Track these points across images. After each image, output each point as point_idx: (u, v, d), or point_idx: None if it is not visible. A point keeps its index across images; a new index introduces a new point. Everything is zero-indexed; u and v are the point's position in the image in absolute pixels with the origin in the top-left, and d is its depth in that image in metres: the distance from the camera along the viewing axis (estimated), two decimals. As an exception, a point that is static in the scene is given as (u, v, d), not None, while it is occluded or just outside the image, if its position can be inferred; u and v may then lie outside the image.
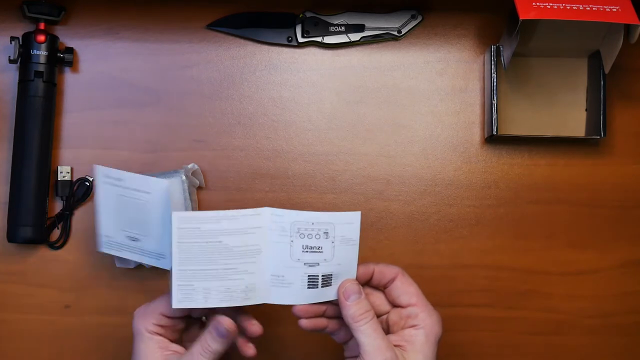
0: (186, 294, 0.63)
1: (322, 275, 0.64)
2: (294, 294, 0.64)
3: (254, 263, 0.63)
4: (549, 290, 0.78)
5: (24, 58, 0.74)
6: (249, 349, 0.65)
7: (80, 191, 0.76)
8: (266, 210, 0.62)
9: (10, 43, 0.74)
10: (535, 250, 0.78)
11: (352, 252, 0.64)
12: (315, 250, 0.63)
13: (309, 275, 0.63)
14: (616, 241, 0.78)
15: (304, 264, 0.63)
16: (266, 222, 0.62)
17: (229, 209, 0.76)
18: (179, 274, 0.63)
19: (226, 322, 0.63)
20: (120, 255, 0.72)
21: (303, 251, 0.63)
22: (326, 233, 0.63)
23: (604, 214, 0.79)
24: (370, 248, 0.77)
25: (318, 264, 0.63)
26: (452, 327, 0.77)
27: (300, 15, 0.78)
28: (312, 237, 0.63)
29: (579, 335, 0.78)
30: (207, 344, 0.62)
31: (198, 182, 0.76)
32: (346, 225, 0.63)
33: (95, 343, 0.75)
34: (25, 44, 0.73)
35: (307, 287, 0.63)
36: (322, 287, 0.64)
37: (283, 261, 0.63)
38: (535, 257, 0.78)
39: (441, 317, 0.64)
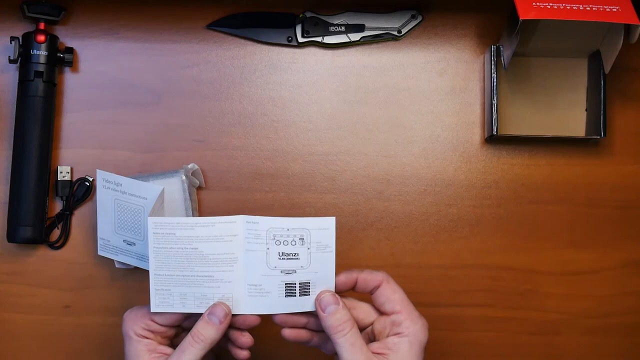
0: (163, 299, 0.63)
1: (300, 283, 0.63)
2: (271, 303, 0.64)
3: (232, 272, 0.63)
4: (549, 290, 0.78)
5: (24, 58, 0.74)
6: (242, 353, 0.65)
7: (80, 191, 0.76)
8: (241, 218, 0.63)
9: (10, 43, 0.74)
10: (535, 250, 0.78)
11: (328, 260, 0.64)
12: (291, 257, 0.63)
13: (286, 283, 0.63)
14: (616, 241, 0.78)
15: (281, 271, 0.63)
16: (241, 229, 0.63)
17: (229, 209, 0.76)
18: (155, 278, 0.63)
19: (222, 304, 0.62)
20: (117, 259, 0.72)
21: (279, 258, 0.63)
22: (302, 239, 0.63)
23: (604, 214, 0.79)
24: (371, 248, 0.77)
25: (295, 271, 0.63)
26: (452, 327, 0.77)
27: (300, 15, 0.78)
28: (287, 244, 0.63)
29: (579, 335, 0.78)
30: (199, 332, 0.61)
31: (198, 182, 0.76)
32: (321, 231, 0.63)
33: (95, 343, 0.75)
34: (25, 44, 0.73)
35: (284, 295, 0.63)
36: (300, 295, 0.64)
37: (260, 269, 0.63)
38: (535, 257, 0.78)
39: (428, 323, 0.63)
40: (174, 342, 0.66)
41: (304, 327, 0.65)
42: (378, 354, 0.62)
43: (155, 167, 0.76)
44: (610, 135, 0.78)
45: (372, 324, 0.65)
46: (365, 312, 0.65)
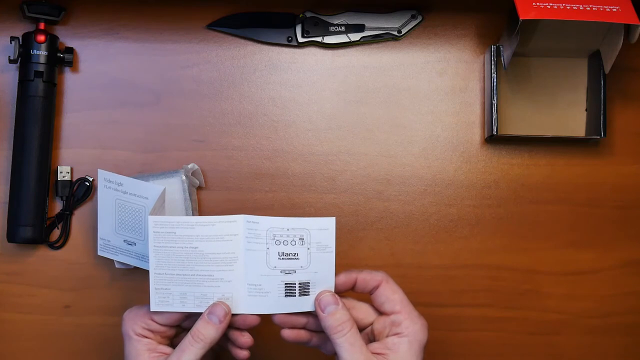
0: (163, 298, 0.63)
1: (299, 283, 0.64)
2: (271, 303, 0.64)
3: (231, 271, 0.63)
4: (549, 290, 0.78)
5: (24, 58, 0.74)
6: (242, 353, 0.65)
7: (80, 191, 0.76)
8: (241, 218, 0.63)
9: (10, 43, 0.74)
10: (535, 250, 0.78)
11: (328, 260, 0.64)
12: (291, 257, 0.63)
13: (285, 283, 0.63)
14: (616, 241, 0.78)
15: (281, 271, 0.63)
16: (241, 229, 0.63)
17: (229, 208, 0.76)
18: (155, 277, 0.63)
19: (221, 304, 0.62)
20: (117, 259, 0.72)
21: (279, 258, 0.63)
22: (302, 239, 0.63)
23: (604, 214, 0.79)
24: (371, 248, 0.77)
25: (295, 272, 0.63)
26: (452, 327, 0.77)
27: (300, 15, 0.78)
28: (287, 244, 0.63)
29: (579, 335, 0.78)
30: (199, 331, 0.62)
31: (198, 182, 0.76)
32: (321, 232, 0.63)
33: (95, 343, 0.75)
34: (25, 44, 0.73)
35: (284, 295, 0.63)
36: (299, 295, 0.64)
37: (259, 269, 0.63)
38: (535, 257, 0.78)
39: (427, 323, 0.63)
40: (173, 342, 0.66)
41: (303, 328, 0.65)
42: (378, 354, 0.62)
43: (155, 167, 0.76)
44: (610, 135, 0.78)
45: (371, 324, 0.65)
46: (364, 312, 0.65)
